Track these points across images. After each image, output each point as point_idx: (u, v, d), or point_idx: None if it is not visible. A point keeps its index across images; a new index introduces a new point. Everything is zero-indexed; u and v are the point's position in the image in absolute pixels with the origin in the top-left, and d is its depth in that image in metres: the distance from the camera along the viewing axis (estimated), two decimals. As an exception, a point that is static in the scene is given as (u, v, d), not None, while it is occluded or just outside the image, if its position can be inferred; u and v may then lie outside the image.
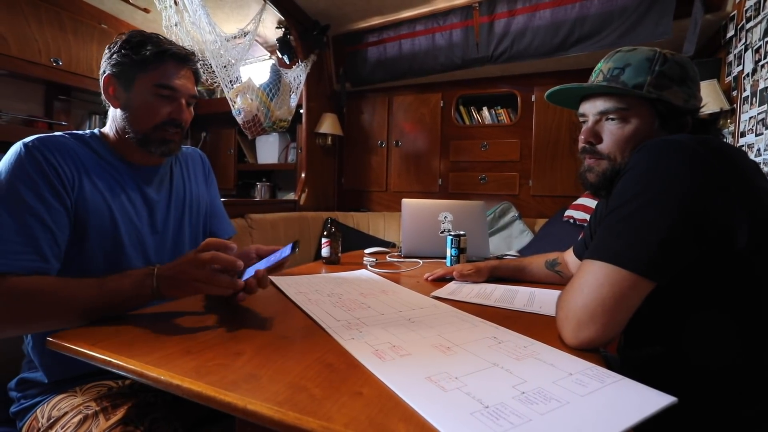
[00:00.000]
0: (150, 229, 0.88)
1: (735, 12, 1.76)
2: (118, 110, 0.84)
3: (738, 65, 1.71)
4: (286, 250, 0.75)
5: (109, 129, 0.87)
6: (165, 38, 0.86)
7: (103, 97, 0.86)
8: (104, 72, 0.84)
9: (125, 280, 0.69)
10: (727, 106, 1.77)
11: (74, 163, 0.77)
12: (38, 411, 0.74)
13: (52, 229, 0.71)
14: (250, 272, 0.75)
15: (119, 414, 0.70)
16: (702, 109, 0.75)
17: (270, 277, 1.05)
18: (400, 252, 1.57)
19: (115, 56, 0.82)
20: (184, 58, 0.85)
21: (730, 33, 1.79)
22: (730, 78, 1.80)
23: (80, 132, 0.84)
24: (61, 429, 0.69)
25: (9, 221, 0.67)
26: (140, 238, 0.85)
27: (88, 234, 0.77)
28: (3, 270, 0.65)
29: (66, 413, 0.71)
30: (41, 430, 0.72)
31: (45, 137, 0.76)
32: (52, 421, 0.71)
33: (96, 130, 0.87)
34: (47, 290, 0.66)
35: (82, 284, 0.68)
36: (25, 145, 0.73)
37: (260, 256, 0.84)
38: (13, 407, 0.80)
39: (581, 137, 0.78)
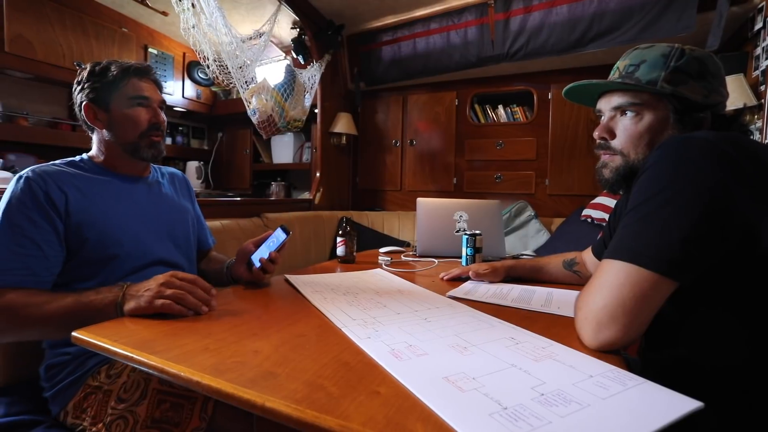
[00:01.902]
0: (147, 227, 0.95)
1: (763, 3, 1.70)
2: (104, 131, 0.96)
3: (766, 59, 1.65)
4: (281, 235, 0.98)
5: (96, 151, 0.99)
6: (122, 60, 0.97)
7: (84, 124, 0.97)
8: (81, 102, 0.95)
9: (97, 297, 0.76)
10: (753, 102, 1.71)
11: (67, 187, 0.86)
12: (89, 379, 0.81)
13: (42, 247, 0.80)
14: (255, 260, 0.97)
15: None
16: (726, 105, 0.74)
17: (286, 276, 1.07)
18: (415, 251, 1.57)
19: (86, 86, 0.94)
20: (144, 71, 0.98)
21: (758, 25, 1.73)
22: (757, 72, 1.74)
23: (72, 159, 0.96)
24: (128, 377, 0.76)
25: (3, 242, 0.77)
26: (139, 237, 0.93)
27: (89, 243, 0.85)
28: None
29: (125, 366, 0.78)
30: (106, 385, 0.78)
31: (39, 168, 0.86)
32: (119, 372, 0.79)
33: (85, 155, 0.99)
34: (28, 303, 0.75)
35: (58, 300, 0.76)
36: (20, 177, 0.83)
37: (257, 245, 1.02)
38: (47, 393, 0.84)
39: (595, 133, 0.79)
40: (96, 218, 0.88)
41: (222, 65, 2.06)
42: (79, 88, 0.96)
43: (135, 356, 0.56)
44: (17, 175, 0.84)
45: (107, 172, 0.97)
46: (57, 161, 0.93)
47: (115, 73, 0.94)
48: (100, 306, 0.74)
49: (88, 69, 0.95)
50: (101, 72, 0.95)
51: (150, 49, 2.79)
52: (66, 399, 0.81)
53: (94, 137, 0.99)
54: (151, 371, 0.54)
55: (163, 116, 1.01)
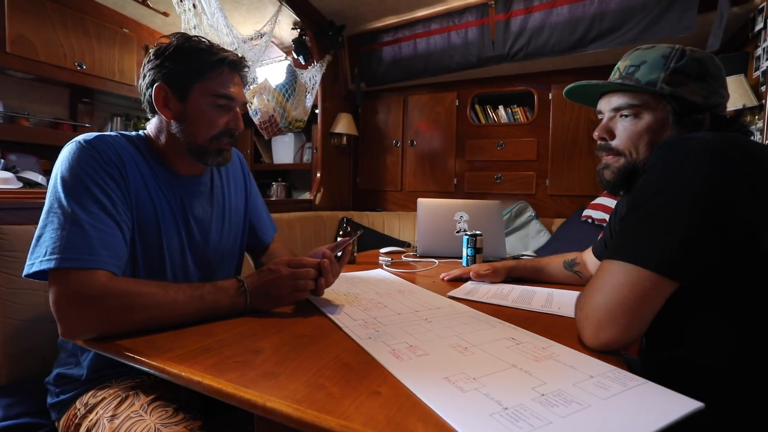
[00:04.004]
0: (191, 242, 0.86)
1: (764, 4, 1.70)
2: (172, 121, 0.80)
3: (767, 59, 1.65)
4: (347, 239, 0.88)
5: (155, 134, 0.84)
6: (214, 43, 0.82)
7: (148, 106, 0.82)
8: (154, 81, 0.79)
9: (222, 296, 0.72)
10: (754, 102, 1.70)
11: (129, 163, 0.76)
12: (77, 402, 0.77)
13: (122, 228, 0.71)
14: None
15: (154, 394, 0.73)
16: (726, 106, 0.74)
17: None
18: (416, 252, 1.57)
19: (167, 64, 0.78)
20: (238, 65, 0.83)
21: (759, 26, 1.73)
22: (758, 73, 1.74)
23: (128, 133, 0.82)
24: (101, 410, 0.72)
25: (85, 218, 0.66)
26: (180, 249, 0.84)
27: (135, 238, 0.76)
28: (95, 266, 0.64)
29: (104, 398, 0.74)
30: (79, 417, 0.75)
31: (102, 135, 0.75)
32: (90, 407, 0.74)
33: (142, 132, 0.85)
34: (146, 291, 0.66)
35: (180, 291, 0.69)
36: (86, 141, 0.72)
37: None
38: (50, 399, 0.83)
39: (595, 133, 0.79)
40: (150, 226, 0.78)
41: (223, 66, 2.06)
42: (157, 63, 0.78)
43: (137, 357, 0.56)
44: (72, 142, 0.72)
45: (159, 163, 0.82)
46: (112, 132, 0.78)
47: (207, 59, 0.78)
48: (228, 309, 0.72)
49: (174, 44, 0.78)
50: (191, 52, 0.78)
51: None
52: (62, 413, 0.80)
53: (155, 120, 0.83)
54: (152, 371, 0.54)
55: (242, 122, 0.85)
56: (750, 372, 0.59)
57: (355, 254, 1.41)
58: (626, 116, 0.74)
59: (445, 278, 1.12)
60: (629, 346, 0.60)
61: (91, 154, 0.71)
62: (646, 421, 0.40)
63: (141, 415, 0.68)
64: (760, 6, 1.72)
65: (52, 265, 0.62)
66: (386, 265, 1.31)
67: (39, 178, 2.16)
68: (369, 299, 0.86)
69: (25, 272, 0.65)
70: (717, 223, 0.56)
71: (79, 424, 0.74)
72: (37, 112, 2.37)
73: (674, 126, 0.71)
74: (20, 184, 2.04)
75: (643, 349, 0.75)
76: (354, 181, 3.18)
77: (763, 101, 1.68)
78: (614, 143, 0.76)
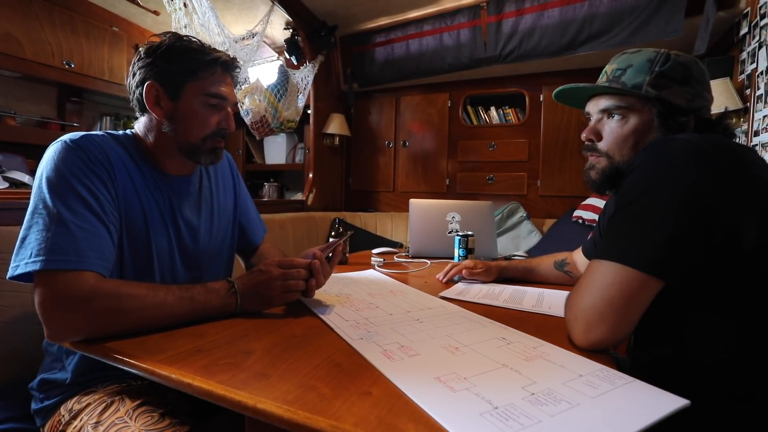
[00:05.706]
0: (179, 243, 0.85)
1: (749, 9, 1.73)
2: (163, 120, 0.80)
3: (752, 63, 1.68)
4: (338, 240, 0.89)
5: (143, 133, 0.83)
6: (206, 43, 0.82)
7: (137, 104, 0.81)
8: (145, 79, 0.78)
9: (212, 297, 0.71)
10: (739, 105, 1.74)
11: (116, 163, 0.75)
12: (62, 407, 0.76)
13: (109, 228, 0.70)
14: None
15: (141, 399, 0.72)
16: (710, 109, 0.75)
17: None
18: (408, 252, 1.57)
19: (159, 63, 0.77)
20: (230, 65, 0.83)
21: (744, 30, 1.76)
22: (743, 76, 1.77)
23: (115, 132, 0.81)
24: (86, 417, 0.71)
25: (71, 219, 0.65)
26: (169, 250, 0.83)
27: (123, 238, 0.75)
28: (82, 267, 0.63)
29: (88, 404, 0.73)
30: (63, 423, 0.73)
31: (88, 134, 0.74)
32: (74, 413, 0.73)
33: (129, 132, 0.84)
34: (135, 293, 0.65)
35: (170, 293, 0.68)
36: (72, 141, 0.71)
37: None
38: (34, 405, 0.81)
39: (583, 135, 0.80)
40: (138, 227, 0.76)
41: (214, 65, 2.04)
42: (148, 61, 0.78)
43: (126, 359, 0.55)
44: (57, 142, 0.71)
45: (147, 163, 0.81)
46: (98, 132, 0.77)
47: (200, 58, 0.78)
48: (219, 310, 0.72)
49: (167, 43, 0.78)
50: (184, 51, 0.78)
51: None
52: (46, 419, 0.78)
53: (144, 119, 0.82)
54: (142, 374, 0.53)
55: (233, 122, 0.85)
56: (737, 368, 0.60)
57: (347, 255, 1.41)
58: (613, 118, 0.76)
59: (443, 279, 1.10)
60: (618, 344, 0.61)
61: (78, 153, 0.70)
62: (633, 418, 0.40)
63: (126, 422, 0.67)
64: (745, 11, 1.76)
65: (37, 267, 0.61)
66: (378, 266, 1.31)
67: (26, 178, 2.13)
68: (361, 300, 0.86)
69: (9, 275, 0.63)
70: (701, 221, 0.57)
71: (64, 431, 0.73)
72: (24, 111, 2.34)
73: (659, 128, 0.73)
74: (6, 185, 2.01)
75: (631, 348, 0.76)
76: (346, 182, 3.18)
77: (748, 104, 1.71)
78: (600, 145, 0.77)
